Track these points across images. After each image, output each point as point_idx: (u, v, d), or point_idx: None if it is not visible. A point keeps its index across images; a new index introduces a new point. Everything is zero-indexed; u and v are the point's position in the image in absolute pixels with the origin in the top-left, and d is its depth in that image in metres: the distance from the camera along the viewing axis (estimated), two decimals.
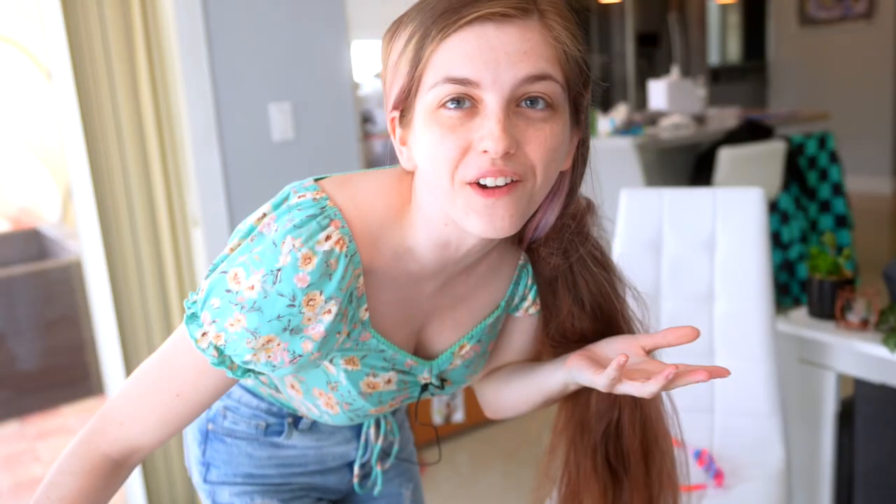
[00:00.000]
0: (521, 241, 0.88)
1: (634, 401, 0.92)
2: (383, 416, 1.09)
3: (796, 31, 6.97)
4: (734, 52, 7.42)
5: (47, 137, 4.19)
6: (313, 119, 2.47)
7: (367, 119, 3.04)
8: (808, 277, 1.92)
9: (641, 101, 5.68)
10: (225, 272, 0.75)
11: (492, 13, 0.68)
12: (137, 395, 0.83)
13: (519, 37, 0.69)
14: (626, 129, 3.75)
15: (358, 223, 0.77)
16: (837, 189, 3.81)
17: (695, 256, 1.88)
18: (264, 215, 0.76)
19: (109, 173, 2.24)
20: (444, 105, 0.70)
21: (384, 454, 1.14)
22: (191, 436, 1.10)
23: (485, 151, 0.69)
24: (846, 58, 6.59)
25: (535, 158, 0.71)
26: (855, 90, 6.51)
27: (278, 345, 0.76)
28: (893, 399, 1.75)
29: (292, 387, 0.94)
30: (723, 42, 7.37)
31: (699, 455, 1.72)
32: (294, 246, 0.73)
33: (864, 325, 1.79)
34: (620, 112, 3.95)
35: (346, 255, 0.75)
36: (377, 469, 1.12)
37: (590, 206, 0.89)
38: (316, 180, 0.80)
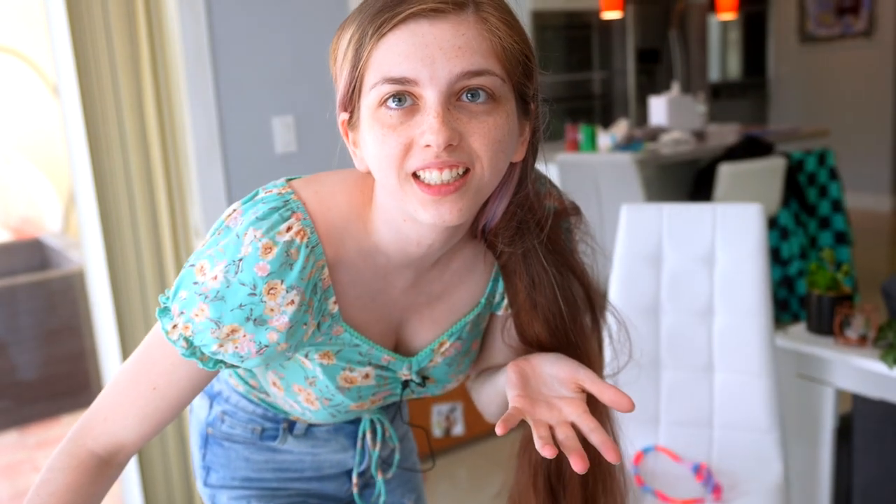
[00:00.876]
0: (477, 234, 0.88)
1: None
2: (379, 421, 1.09)
3: (796, 48, 7.01)
4: (734, 68, 7.45)
5: (50, 148, 4.21)
6: (316, 132, 2.49)
7: None
8: (806, 293, 1.93)
9: (642, 117, 5.71)
10: (193, 265, 0.77)
11: (424, 9, 0.69)
12: (118, 390, 0.84)
13: (453, 32, 0.69)
14: (627, 144, 3.77)
15: (320, 217, 0.79)
16: (837, 206, 3.82)
17: (694, 271, 1.89)
18: (234, 210, 0.79)
19: (113, 184, 2.26)
20: (384, 104, 0.71)
21: (384, 463, 1.13)
22: (193, 440, 1.11)
23: (427, 146, 0.70)
24: (846, 75, 6.63)
25: (480, 150, 0.72)
26: (855, 107, 6.54)
27: (244, 335, 0.77)
28: (892, 414, 1.75)
29: (274, 384, 0.95)
30: (723, 59, 7.41)
31: (697, 469, 1.72)
32: (255, 237, 0.75)
33: (863, 341, 1.80)
34: (621, 128, 3.97)
35: (307, 246, 0.77)
36: (379, 478, 1.12)
37: (569, 212, 0.88)
38: (288, 180, 0.83)
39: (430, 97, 0.70)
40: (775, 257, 3.65)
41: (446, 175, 0.71)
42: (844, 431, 1.89)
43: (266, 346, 0.79)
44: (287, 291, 0.76)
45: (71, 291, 3.51)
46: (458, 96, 0.71)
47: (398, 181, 0.73)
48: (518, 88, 0.76)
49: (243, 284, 0.75)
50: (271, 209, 0.77)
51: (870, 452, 1.83)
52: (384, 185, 0.75)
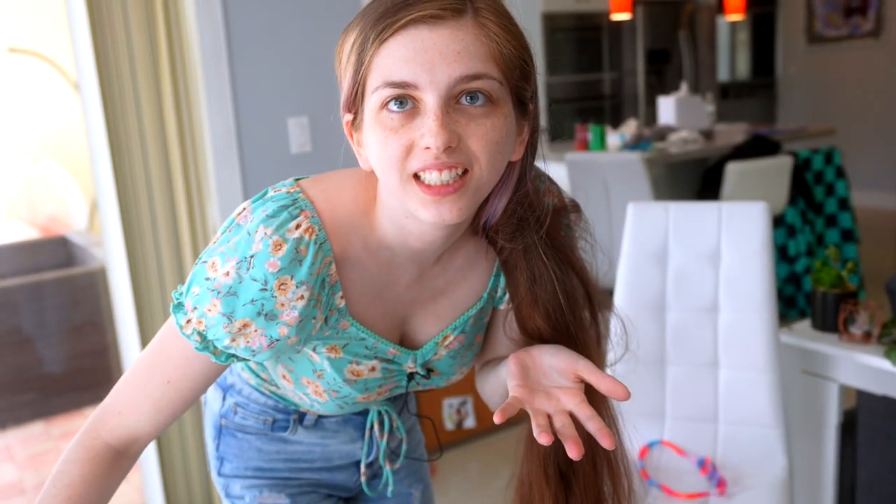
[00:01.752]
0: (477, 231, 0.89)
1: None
2: (386, 413, 1.09)
3: (804, 49, 6.94)
4: (743, 68, 7.39)
5: (76, 149, 4.24)
6: (330, 133, 2.49)
7: None
8: (811, 290, 1.91)
9: (651, 117, 5.67)
10: (205, 262, 0.78)
11: (424, 16, 0.70)
12: (133, 384, 0.85)
13: (452, 37, 0.70)
14: (636, 143, 3.74)
15: (328, 214, 0.80)
16: (843, 204, 3.78)
17: (700, 269, 1.87)
18: (244, 209, 0.80)
19: (133, 183, 2.27)
20: (386, 107, 0.72)
21: (392, 454, 1.14)
22: (207, 432, 1.12)
23: (427, 148, 0.71)
24: (853, 75, 6.56)
25: (478, 151, 0.72)
26: (862, 107, 6.47)
27: (255, 330, 0.78)
28: (895, 411, 1.73)
29: (284, 377, 0.96)
30: (732, 59, 7.34)
31: (702, 464, 1.71)
32: (266, 234, 0.76)
33: (867, 337, 1.78)
34: (630, 127, 3.95)
35: (316, 243, 0.78)
36: (387, 468, 1.12)
37: (569, 209, 0.89)
38: (296, 179, 0.84)
39: (430, 100, 0.70)
40: (782, 255, 3.62)
41: (445, 176, 0.72)
42: (848, 427, 1.87)
43: (277, 340, 0.80)
44: (297, 287, 0.77)
45: (94, 288, 3.54)
46: (457, 99, 0.72)
47: (400, 181, 0.73)
48: (515, 91, 0.76)
49: (255, 280, 0.76)
50: (280, 207, 0.78)
51: (874, 448, 1.80)
52: (386, 184, 0.76)
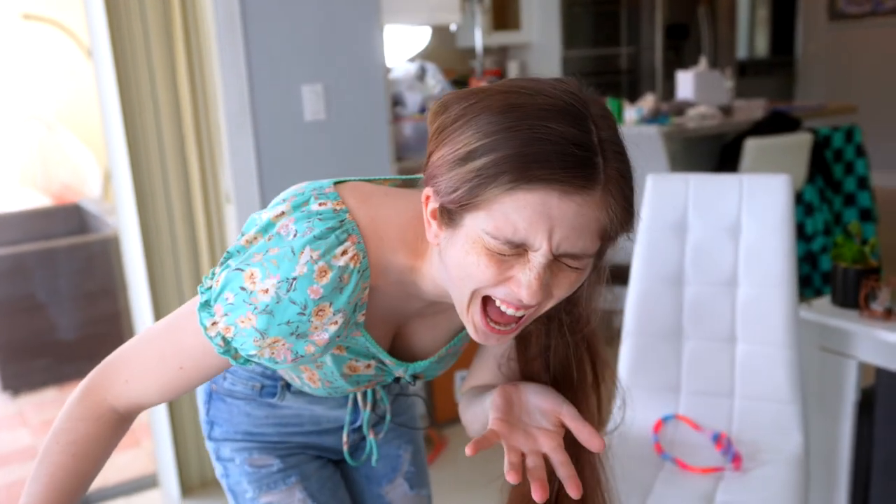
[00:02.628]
0: None
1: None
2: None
3: (826, 26, 6.81)
4: (762, 46, 7.26)
5: (90, 117, 4.23)
6: (345, 101, 2.46)
7: (397, 102, 3.02)
8: (832, 266, 1.87)
9: (669, 93, 5.58)
10: (241, 270, 0.77)
11: (558, 186, 0.67)
12: (144, 361, 0.85)
13: (576, 212, 0.68)
14: (653, 118, 3.69)
15: (373, 245, 0.79)
16: (863, 183, 3.72)
17: (719, 241, 1.84)
18: (283, 213, 0.78)
19: (146, 150, 2.25)
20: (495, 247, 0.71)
21: (378, 422, 1.15)
22: (199, 396, 1.14)
23: (517, 296, 0.72)
24: (875, 53, 6.43)
25: (556, 296, 0.74)
26: (883, 86, 6.35)
27: (283, 345, 0.79)
28: None
29: None
30: (751, 36, 7.21)
31: (717, 438, 1.69)
32: (312, 258, 0.75)
33: (888, 314, 1.75)
34: (648, 101, 3.88)
35: (359, 271, 0.78)
36: (370, 438, 1.14)
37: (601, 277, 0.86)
38: (336, 184, 0.82)
39: (537, 261, 0.70)
40: (799, 233, 3.57)
41: (512, 312, 0.74)
42: (866, 405, 1.84)
43: (301, 356, 0.81)
44: (334, 314, 0.78)
45: (107, 255, 3.54)
46: (557, 259, 0.71)
47: (471, 295, 0.75)
48: (605, 247, 0.76)
49: (294, 303, 0.76)
50: (328, 229, 0.76)
51: (891, 426, 1.78)
52: (454, 285, 0.75)
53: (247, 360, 0.82)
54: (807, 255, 3.59)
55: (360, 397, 1.10)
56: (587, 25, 5.79)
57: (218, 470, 1.13)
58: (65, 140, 4.77)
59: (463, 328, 0.93)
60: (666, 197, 1.89)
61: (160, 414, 2.44)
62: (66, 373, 3.40)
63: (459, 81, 3.99)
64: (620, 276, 1.87)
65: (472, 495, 2.40)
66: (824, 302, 1.90)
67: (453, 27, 3.66)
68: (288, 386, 1.07)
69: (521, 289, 0.71)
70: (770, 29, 7.20)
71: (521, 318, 0.75)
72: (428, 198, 0.75)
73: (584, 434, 0.79)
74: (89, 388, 0.86)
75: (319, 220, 0.76)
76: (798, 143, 3.44)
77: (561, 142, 0.67)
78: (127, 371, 0.85)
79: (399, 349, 0.94)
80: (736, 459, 1.62)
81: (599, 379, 0.92)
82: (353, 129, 2.50)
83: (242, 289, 0.76)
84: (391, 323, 0.90)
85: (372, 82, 2.51)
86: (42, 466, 0.84)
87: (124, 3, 2.15)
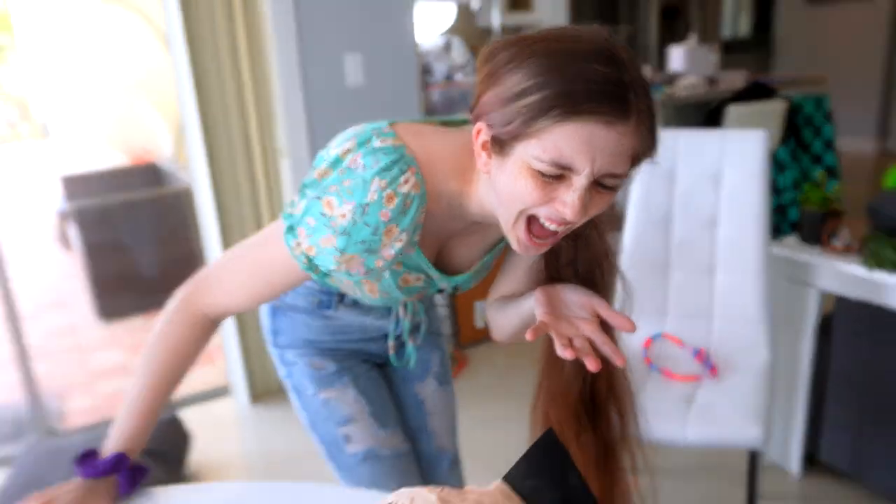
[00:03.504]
0: None
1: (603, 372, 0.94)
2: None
3: (801, 7, 6.61)
4: (745, 26, 7.06)
5: (161, 88, 4.24)
6: (381, 68, 2.46)
7: (426, 71, 3.00)
8: (800, 209, 1.87)
9: (662, 64, 5.49)
10: (319, 198, 0.78)
11: (602, 118, 0.68)
12: (235, 276, 0.88)
13: (617, 141, 0.69)
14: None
15: (429, 174, 0.80)
16: (829, 145, 3.65)
17: (703, 188, 1.84)
18: (349, 150, 0.78)
19: (213, 115, 2.27)
20: (542, 170, 0.71)
21: (415, 329, 1.18)
22: (263, 310, 1.16)
23: (561, 213, 0.72)
24: (846, 34, 6.24)
25: (589, 215, 0.74)
26: (852, 63, 6.17)
27: (358, 260, 0.81)
28: (868, 314, 1.71)
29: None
30: (735, 17, 7.01)
31: (697, 353, 1.72)
32: (381, 186, 0.76)
33: (848, 249, 1.75)
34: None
35: (419, 196, 0.79)
36: (410, 343, 1.16)
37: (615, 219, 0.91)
38: (390, 124, 0.82)
39: (580, 183, 0.71)
40: (772, 188, 3.53)
41: (554, 228, 0.75)
42: (825, 328, 1.85)
43: (372, 269, 0.83)
44: (400, 233, 0.79)
45: (180, 205, 3.59)
46: (597, 181, 0.72)
47: (518, 213, 0.75)
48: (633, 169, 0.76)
49: (367, 225, 0.77)
50: (392, 162, 0.77)
51: (846, 345, 1.80)
52: (502, 204, 0.76)
53: (325, 275, 0.84)
54: (777, 207, 3.56)
55: (401, 309, 1.13)
56: (591, 7, 5.68)
57: (282, 372, 1.16)
58: (142, 108, 4.80)
59: (493, 246, 0.95)
60: (658, 150, 1.89)
61: (231, 334, 2.50)
62: (149, 303, 3.48)
63: None
64: (617, 221, 1.89)
65: (489, 403, 2.47)
66: (792, 240, 1.91)
67: (475, 6, 3.61)
68: (341, 300, 1.09)
69: (565, 207, 0.72)
70: (753, 11, 7.00)
71: (557, 232, 0.77)
72: (479, 131, 0.75)
73: (615, 319, 0.80)
74: (186, 299, 0.89)
75: (384, 154, 0.77)
76: (773, 110, 3.38)
77: (601, 80, 0.67)
78: (219, 285, 0.88)
79: (441, 265, 0.95)
80: (712, 370, 1.65)
81: (614, 284, 0.93)
82: (387, 94, 2.50)
83: (323, 215, 0.78)
84: (436, 242, 0.91)
85: (405, 53, 2.50)
86: (147, 362, 0.88)
87: None
